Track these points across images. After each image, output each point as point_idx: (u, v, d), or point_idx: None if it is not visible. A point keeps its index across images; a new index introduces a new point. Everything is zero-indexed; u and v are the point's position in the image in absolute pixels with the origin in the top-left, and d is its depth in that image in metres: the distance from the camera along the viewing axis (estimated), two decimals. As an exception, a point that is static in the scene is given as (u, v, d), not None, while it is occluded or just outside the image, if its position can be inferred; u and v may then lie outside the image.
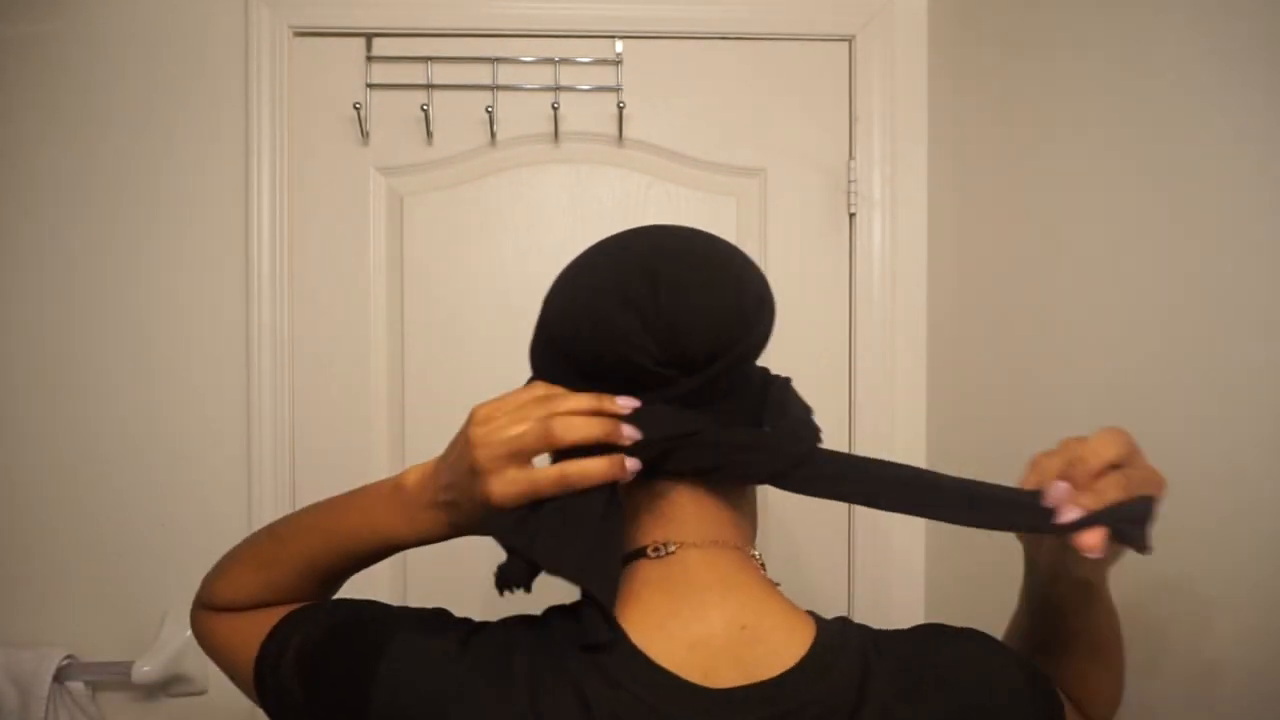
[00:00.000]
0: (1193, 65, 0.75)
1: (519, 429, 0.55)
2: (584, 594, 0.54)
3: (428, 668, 0.53)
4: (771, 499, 1.28)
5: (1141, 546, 0.52)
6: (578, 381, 0.58)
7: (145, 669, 1.14)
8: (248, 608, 0.64)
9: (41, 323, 1.22)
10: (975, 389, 1.14)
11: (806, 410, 0.63)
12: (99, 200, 1.22)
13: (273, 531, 0.67)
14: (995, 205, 1.09)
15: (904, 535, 1.27)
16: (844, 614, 0.64)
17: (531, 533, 0.53)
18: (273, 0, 1.22)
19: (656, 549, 0.58)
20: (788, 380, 0.64)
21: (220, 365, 1.23)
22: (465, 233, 1.26)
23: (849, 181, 1.27)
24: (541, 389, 0.58)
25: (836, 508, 1.28)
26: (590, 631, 0.52)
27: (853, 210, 1.28)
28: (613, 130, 1.27)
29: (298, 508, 0.70)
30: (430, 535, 0.60)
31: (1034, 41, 1.01)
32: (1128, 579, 0.61)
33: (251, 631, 0.61)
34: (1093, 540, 0.51)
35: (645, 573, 0.57)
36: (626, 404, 0.56)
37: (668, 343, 0.56)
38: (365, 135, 1.25)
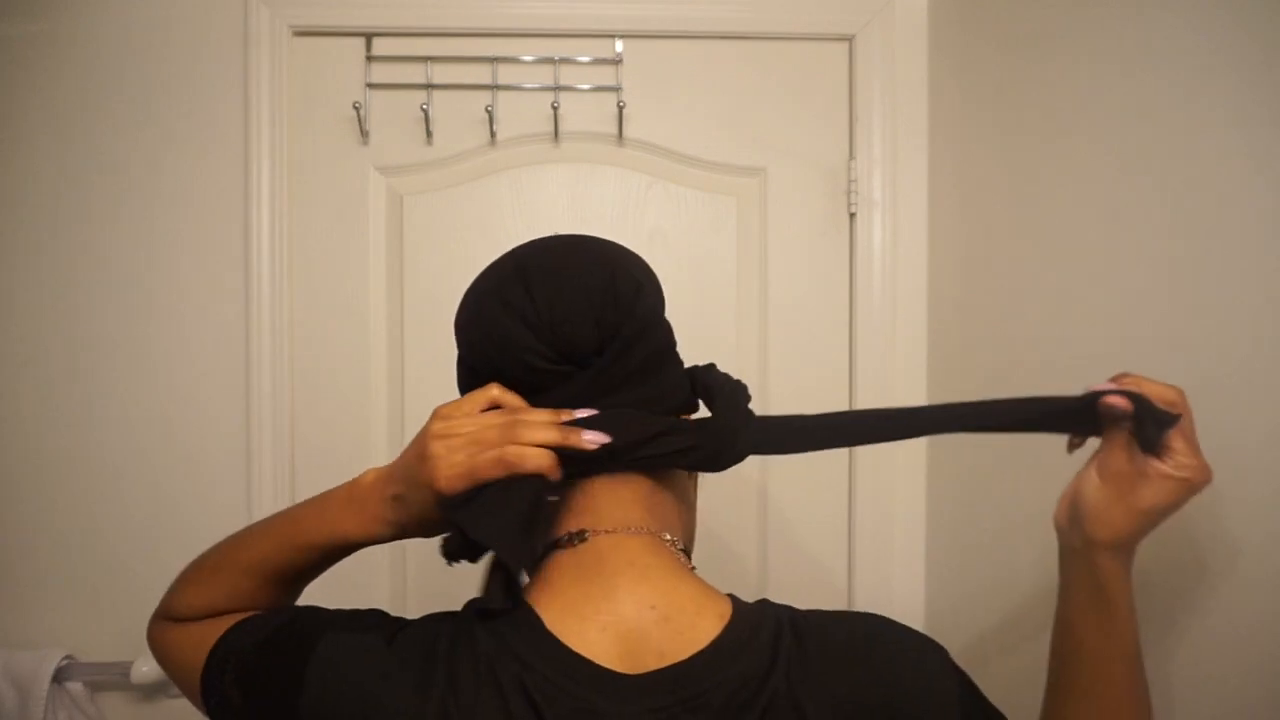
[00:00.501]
0: (1193, 64, 0.75)
1: (476, 424, 0.58)
2: (492, 565, 0.55)
3: (356, 663, 0.55)
4: (772, 497, 1.28)
5: (1151, 445, 0.57)
6: None
7: (145, 669, 1.15)
8: (205, 616, 0.65)
9: (41, 323, 1.22)
10: (975, 389, 1.14)
11: (742, 387, 0.65)
12: (98, 200, 1.22)
13: (230, 538, 0.68)
14: (995, 205, 1.09)
15: (905, 533, 1.27)
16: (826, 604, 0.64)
17: (474, 512, 0.56)
18: None
19: (570, 538, 0.60)
20: (711, 366, 0.67)
21: (220, 365, 1.23)
22: (465, 232, 1.26)
23: (849, 181, 1.27)
24: (496, 390, 0.60)
25: (836, 506, 1.28)
26: (490, 598, 0.54)
27: (853, 210, 1.27)
28: (613, 130, 1.27)
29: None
30: (375, 534, 0.62)
31: (1035, 41, 1.01)
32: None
33: (201, 640, 0.62)
34: (1118, 398, 0.57)
35: (560, 561, 0.59)
36: (584, 412, 0.59)
37: (552, 338, 0.59)
38: (365, 135, 1.25)
